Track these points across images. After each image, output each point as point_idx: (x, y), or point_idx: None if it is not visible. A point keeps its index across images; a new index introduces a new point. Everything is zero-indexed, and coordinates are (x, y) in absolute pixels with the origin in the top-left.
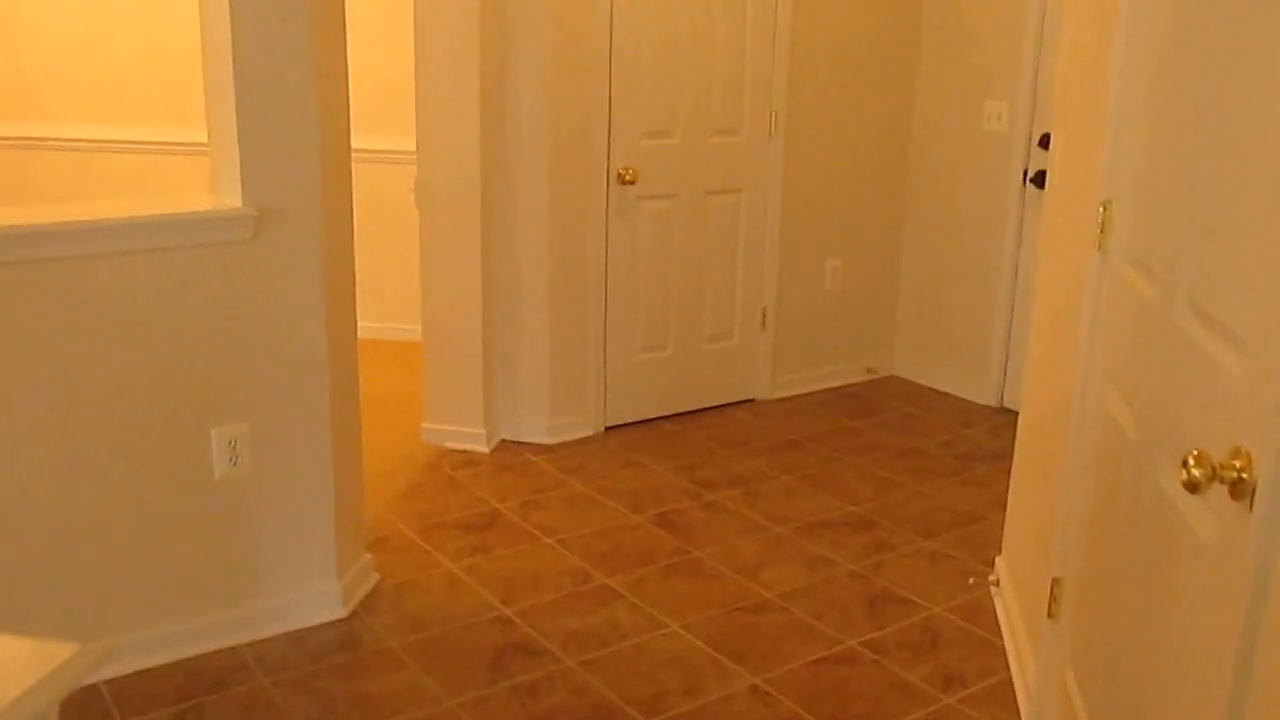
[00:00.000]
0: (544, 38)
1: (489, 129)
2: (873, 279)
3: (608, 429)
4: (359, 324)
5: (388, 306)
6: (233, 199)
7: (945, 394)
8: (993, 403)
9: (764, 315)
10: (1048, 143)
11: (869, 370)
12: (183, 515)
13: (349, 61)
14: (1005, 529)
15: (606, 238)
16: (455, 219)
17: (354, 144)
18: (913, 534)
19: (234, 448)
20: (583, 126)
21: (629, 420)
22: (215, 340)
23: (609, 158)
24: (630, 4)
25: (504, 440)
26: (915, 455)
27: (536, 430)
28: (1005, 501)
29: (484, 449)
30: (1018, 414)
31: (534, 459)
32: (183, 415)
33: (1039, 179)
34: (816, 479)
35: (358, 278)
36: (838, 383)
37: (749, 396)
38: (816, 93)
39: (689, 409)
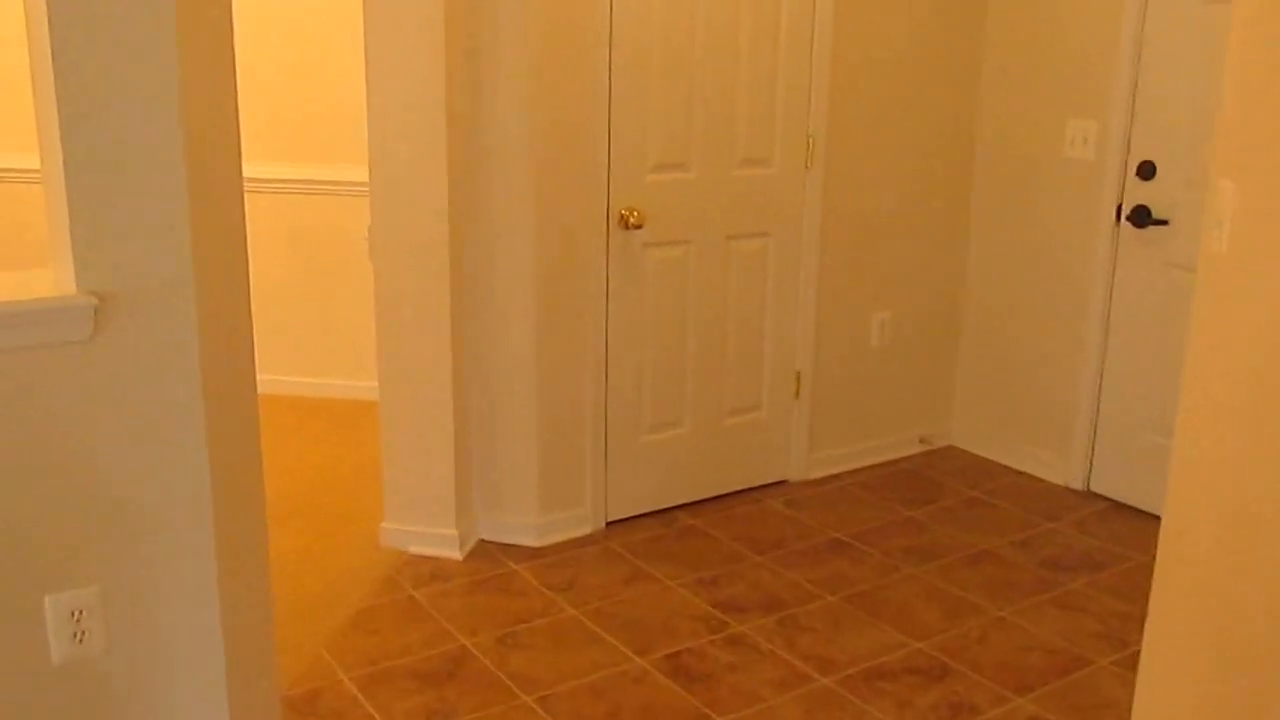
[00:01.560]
0: (526, 51)
1: (459, 163)
2: (928, 335)
3: (610, 525)
4: (310, 380)
5: (345, 360)
6: (65, 281)
7: (1015, 471)
8: (1077, 485)
9: (798, 381)
10: (1149, 172)
11: (922, 440)
12: (9, 713)
13: (308, 81)
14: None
15: (607, 294)
16: (418, 274)
17: (309, 175)
18: (1000, 686)
19: (79, 620)
20: (576, 159)
21: (636, 513)
22: (45, 479)
23: (609, 197)
24: (634, 7)
25: (482, 542)
26: (990, 561)
27: (522, 529)
28: (1114, 634)
29: (456, 555)
30: (1108, 501)
31: (518, 569)
32: (4, 580)
33: (1137, 216)
34: (870, 599)
35: (313, 326)
36: (886, 457)
37: (781, 478)
38: (863, 113)
39: (709, 495)
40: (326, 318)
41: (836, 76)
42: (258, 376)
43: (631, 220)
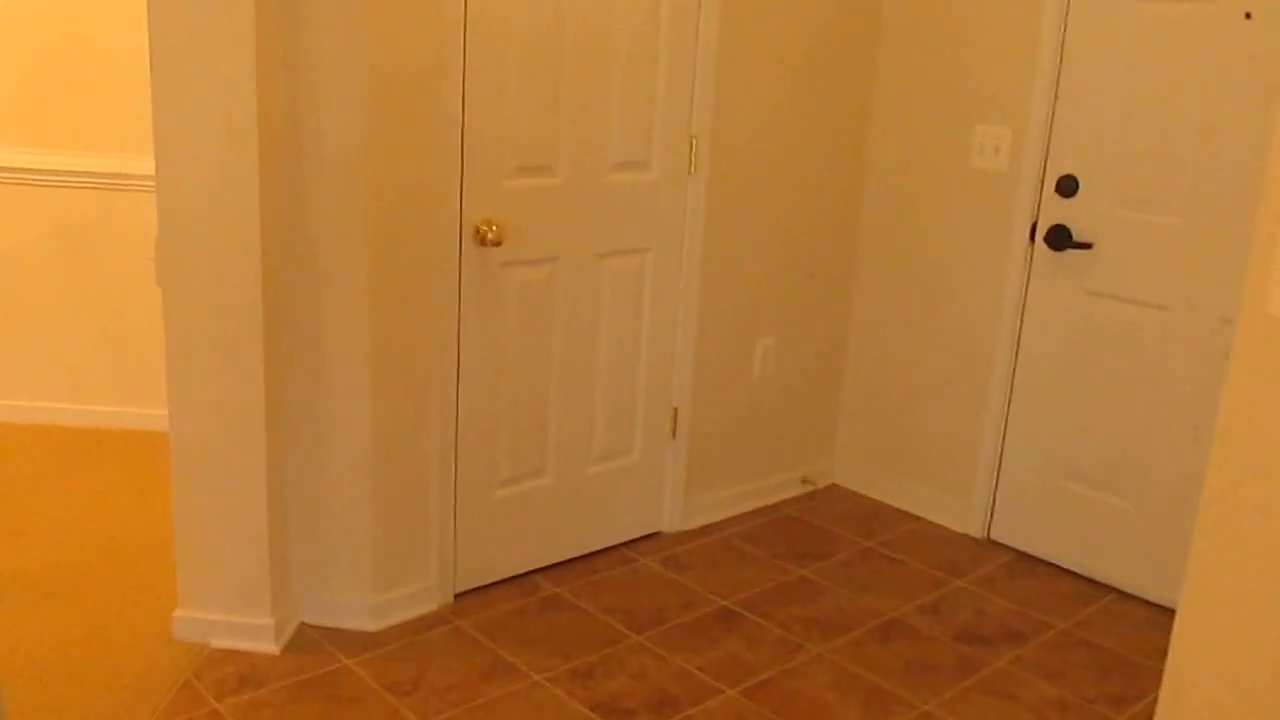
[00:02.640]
0: (359, 33)
1: (273, 168)
2: (813, 363)
3: (459, 597)
4: (91, 408)
5: (136, 382)
6: None
7: (908, 515)
8: (976, 532)
9: (675, 419)
10: (1070, 188)
11: (804, 481)
12: None
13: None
14: None
15: (459, 324)
16: (221, 305)
17: (82, 165)
18: None
19: None
20: (422, 162)
21: (491, 580)
22: None
23: (462, 208)
24: None
25: (305, 627)
26: (901, 635)
27: (354, 610)
28: None
29: (271, 648)
30: (1012, 551)
31: (350, 664)
32: None
33: (1055, 237)
34: (776, 692)
35: (92, 341)
36: (767, 500)
37: (654, 530)
38: (750, 113)
39: (574, 555)
40: (110, 332)
41: (722, 71)
42: (17, 403)
43: (489, 236)
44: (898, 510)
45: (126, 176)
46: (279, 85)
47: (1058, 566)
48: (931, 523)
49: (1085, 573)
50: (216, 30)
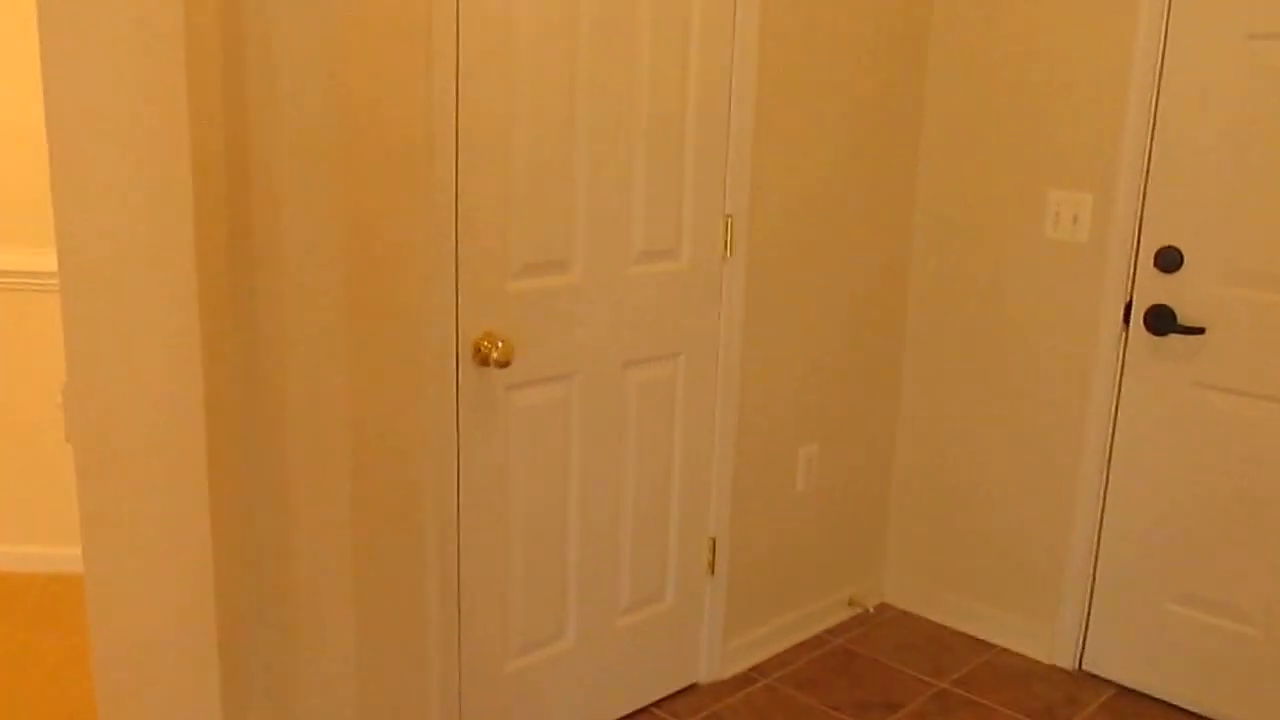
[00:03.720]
0: (328, 107)
1: (217, 283)
2: (861, 468)
3: None
4: None
5: (46, 517)
6: None
7: (976, 640)
8: (1065, 662)
9: (713, 551)
10: (1172, 262)
11: (851, 603)
12: None
13: None
14: None
15: (458, 463)
16: (151, 459)
17: None
18: None
19: None
20: (405, 269)
21: None
22: None
23: (458, 321)
24: (489, 46)
25: None
26: None
27: None
28: None
29: None
30: (1111, 686)
31: None
32: None
33: (1157, 319)
34: None
35: None
36: (812, 630)
37: (689, 682)
38: (792, 184)
39: None
40: (13, 458)
41: (759, 140)
42: None
43: (493, 354)
44: (965, 636)
45: (39, 275)
46: (218, 173)
47: (1169, 704)
48: (1010, 651)
49: (1203, 711)
50: (131, 97)
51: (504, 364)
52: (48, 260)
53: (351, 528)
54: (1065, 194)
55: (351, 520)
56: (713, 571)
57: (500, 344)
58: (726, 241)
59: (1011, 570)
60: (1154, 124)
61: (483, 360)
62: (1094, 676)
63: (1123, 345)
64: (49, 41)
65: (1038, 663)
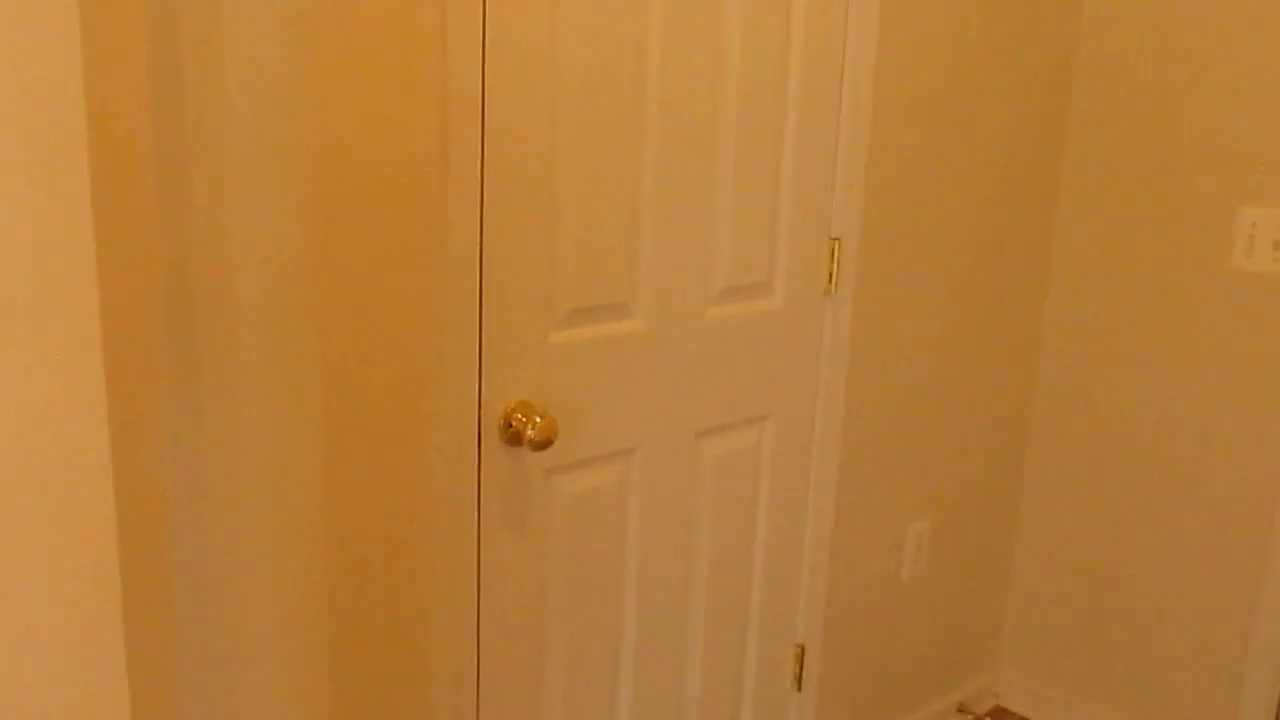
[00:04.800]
0: (292, 123)
1: (132, 339)
2: (976, 549)
3: None
4: None
5: None
6: None
7: None
8: None
9: (800, 662)
10: None
11: (961, 710)
12: None
13: None
14: None
15: (478, 571)
16: (52, 607)
17: None
18: None
19: None
20: (406, 320)
21: None
22: None
23: (481, 388)
24: (525, 42)
25: None
26: None
27: None
28: None
29: None
30: None
31: None
32: None
33: None
34: None
35: None
36: None
37: None
38: (914, 199)
39: None
40: None
41: (876, 146)
42: None
43: (529, 432)
44: None
45: None
46: (139, 184)
47: None
48: None
49: None
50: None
51: (543, 444)
52: None
53: (331, 670)
54: (1264, 212)
55: (331, 661)
56: (799, 686)
57: (538, 419)
58: (831, 272)
59: (1167, 674)
60: None
61: (514, 438)
62: None
63: None
64: None
65: None
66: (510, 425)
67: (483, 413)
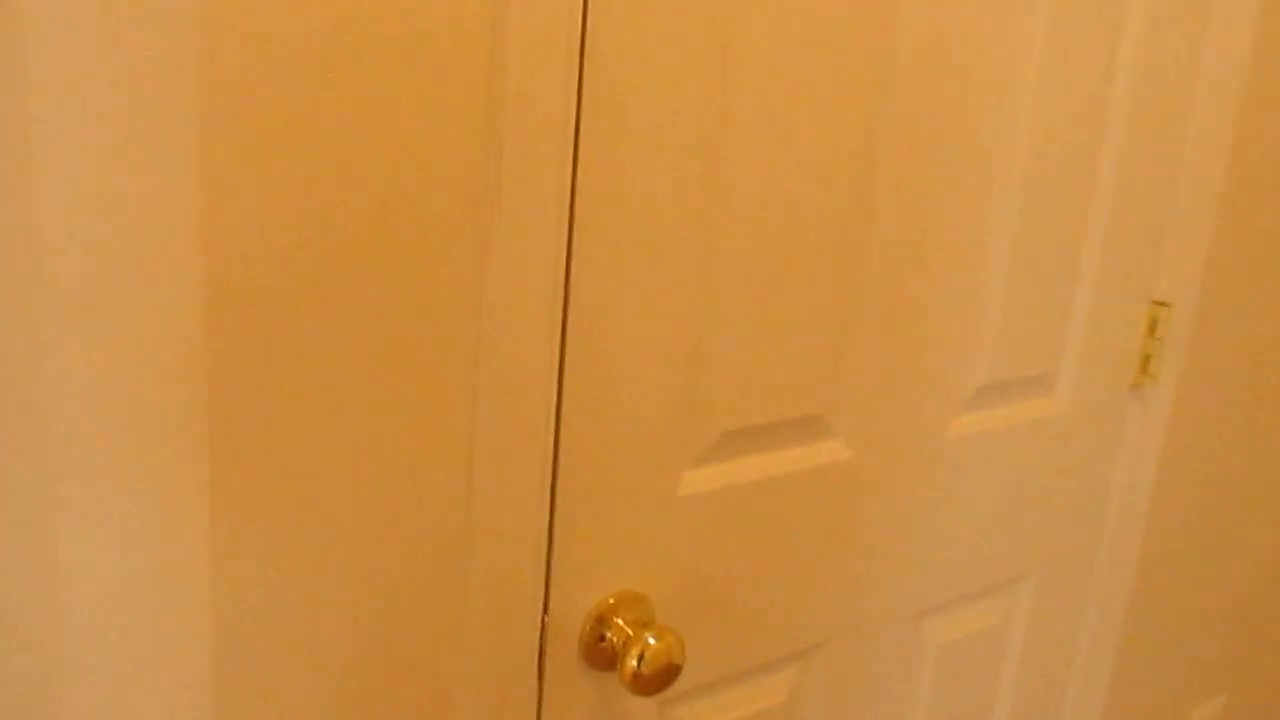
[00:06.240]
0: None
1: None
2: None
3: None
4: None
5: None
6: None
7: None
8: None
9: None
10: None
11: None
12: None
13: None
14: None
15: None
16: None
17: None
18: None
19: None
20: (412, 451)
21: None
22: None
23: (549, 573)
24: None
25: None
26: None
27: None
28: None
29: None
30: None
31: None
32: None
33: None
34: None
35: None
36: None
37: None
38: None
39: None
40: None
41: (1235, 174)
42: None
43: (633, 661)
44: None
45: None
46: None
47: None
48: None
49: None
50: None
51: (659, 682)
52: None
53: None
54: None
55: None
56: None
57: (651, 638)
58: (1148, 354)
59: None
60: None
61: (607, 661)
62: None
63: None
64: None
65: None
66: (601, 639)
67: (550, 617)
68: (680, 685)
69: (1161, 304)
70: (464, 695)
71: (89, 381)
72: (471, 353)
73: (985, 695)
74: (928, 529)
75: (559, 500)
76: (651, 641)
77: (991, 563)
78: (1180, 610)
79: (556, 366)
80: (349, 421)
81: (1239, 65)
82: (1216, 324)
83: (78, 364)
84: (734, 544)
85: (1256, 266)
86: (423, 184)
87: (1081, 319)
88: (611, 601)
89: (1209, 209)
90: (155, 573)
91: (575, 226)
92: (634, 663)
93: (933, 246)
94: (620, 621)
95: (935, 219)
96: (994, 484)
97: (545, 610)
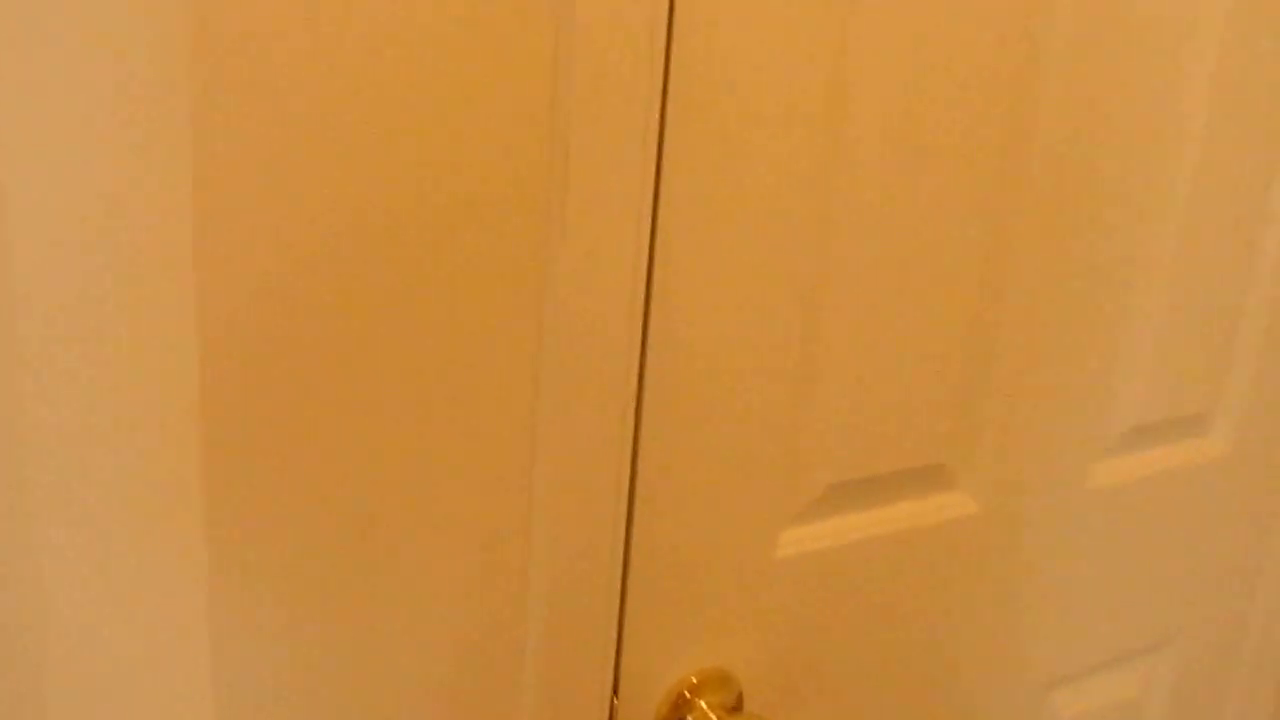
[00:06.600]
0: None
1: None
2: None
3: None
4: None
5: None
6: None
7: None
8: None
9: None
10: None
11: None
12: None
13: None
14: None
15: None
16: None
17: None
18: None
19: None
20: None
21: None
22: None
23: (621, 647)
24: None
25: None
26: None
27: None
28: None
29: None
30: None
31: None
32: None
33: None
34: None
35: None
36: None
37: None
38: None
39: None
40: None
41: None
42: None
43: None
44: None
45: None
46: None
47: None
48: None
49: None
50: None
51: None
52: None
53: None
54: None
55: None
56: None
57: None
58: None
59: None
60: None
61: None
62: None
63: None
64: None
65: None
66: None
67: (620, 700)
68: None
69: None
70: None
71: (75, 405)
72: (529, 388)
73: None
74: (1063, 590)
75: (633, 561)
76: None
77: (1134, 624)
78: None
79: (633, 407)
80: (381, 475)
81: None
82: None
83: (61, 388)
84: (839, 614)
85: None
86: (466, 188)
87: (1246, 353)
88: (694, 681)
89: None
90: (151, 642)
91: (657, 236)
92: None
93: (1078, 267)
94: (704, 705)
95: (1085, 237)
96: (1138, 538)
97: (615, 692)
